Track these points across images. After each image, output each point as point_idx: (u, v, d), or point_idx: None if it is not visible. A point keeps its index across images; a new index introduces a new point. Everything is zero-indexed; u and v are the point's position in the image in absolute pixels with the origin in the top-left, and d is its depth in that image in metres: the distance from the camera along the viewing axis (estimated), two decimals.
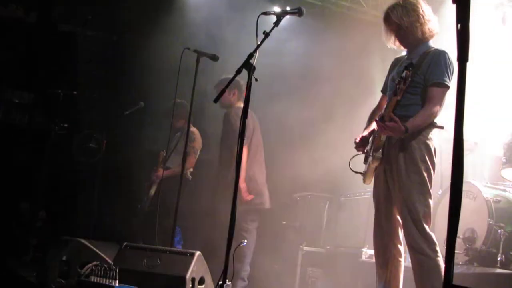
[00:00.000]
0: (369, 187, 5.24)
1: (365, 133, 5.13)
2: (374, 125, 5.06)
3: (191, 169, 8.34)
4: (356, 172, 5.07)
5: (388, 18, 5.03)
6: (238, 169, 4.37)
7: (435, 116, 4.73)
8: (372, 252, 6.36)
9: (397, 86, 4.34)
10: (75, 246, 5.75)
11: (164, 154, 8.10)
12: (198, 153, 8.40)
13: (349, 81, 9.81)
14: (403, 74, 4.27)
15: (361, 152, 5.11)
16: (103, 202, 9.00)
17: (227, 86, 4.68)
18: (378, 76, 5.54)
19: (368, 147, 5.03)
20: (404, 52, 5.20)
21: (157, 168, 8.14)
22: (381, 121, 4.48)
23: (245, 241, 6.52)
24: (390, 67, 5.27)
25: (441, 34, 5.07)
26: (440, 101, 4.72)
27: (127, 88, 10.11)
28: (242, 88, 7.24)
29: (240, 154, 4.40)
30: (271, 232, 8.92)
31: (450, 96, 4.78)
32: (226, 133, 7.64)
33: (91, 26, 10.30)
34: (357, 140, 5.09)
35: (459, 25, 2.19)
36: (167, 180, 7.78)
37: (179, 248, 7.61)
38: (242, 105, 7.05)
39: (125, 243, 5.37)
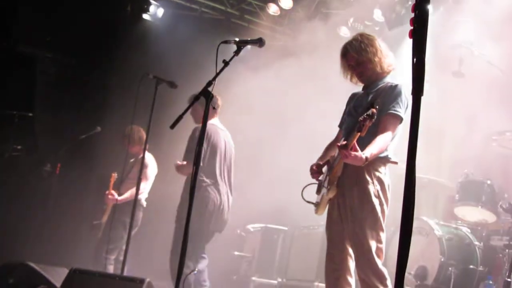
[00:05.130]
0: (323, 220, 5.22)
1: (321, 162, 5.13)
2: (328, 157, 5.06)
3: (146, 195, 8.26)
4: (309, 202, 5.05)
5: (346, 54, 5.06)
6: (192, 193, 4.33)
7: (387, 145, 4.74)
8: (324, 285, 6.34)
9: (362, 122, 4.27)
10: (22, 269, 5.65)
11: (116, 177, 8.01)
12: (152, 178, 8.33)
13: (308, 112, 9.88)
14: (369, 112, 4.20)
15: (315, 180, 5.09)
16: (54, 225, 8.85)
17: (184, 112, 4.63)
18: (337, 112, 5.54)
19: (322, 178, 5.02)
20: (360, 88, 5.22)
21: (109, 192, 8.03)
22: (344, 148, 4.43)
23: (196, 269, 6.42)
24: (347, 102, 5.30)
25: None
26: (392, 130, 4.73)
27: (85, 112, 10.03)
28: (216, 103, 7.07)
29: (195, 178, 4.36)
30: (223, 263, 8.86)
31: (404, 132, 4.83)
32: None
33: (50, 48, 10.23)
34: (314, 167, 5.07)
35: (415, 59, 2.22)
36: (120, 206, 7.70)
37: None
38: (214, 121, 7.00)
39: (73, 268, 5.27)
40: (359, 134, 4.29)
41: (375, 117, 4.22)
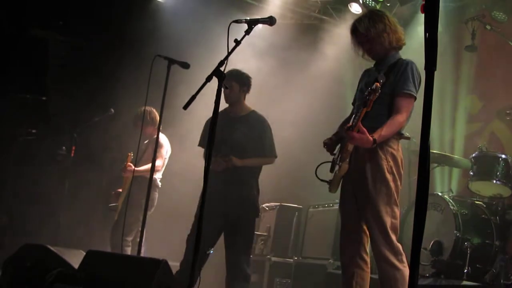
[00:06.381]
0: (338, 197, 5.22)
1: (334, 137, 5.14)
2: (342, 133, 5.07)
3: (161, 176, 8.29)
4: (322, 180, 5.05)
5: (355, 30, 5.06)
6: (206, 178, 4.33)
7: (401, 126, 4.75)
8: (339, 263, 6.35)
9: (367, 97, 4.32)
10: (40, 252, 5.66)
11: (132, 156, 8.02)
12: (165, 158, 8.34)
13: (319, 95, 9.86)
14: (373, 86, 4.26)
15: (330, 155, 5.10)
16: (70, 208, 8.89)
17: (197, 93, 4.61)
18: (349, 89, 5.54)
19: (336, 156, 5.03)
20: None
21: (126, 164, 8.04)
22: (349, 131, 4.48)
23: (212, 250, 6.44)
24: (360, 79, 5.29)
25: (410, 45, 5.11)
26: (406, 111, 4.74)
27: (97, 94, 10.04)
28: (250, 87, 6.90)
29: (208, 164, 4.35)
30: None
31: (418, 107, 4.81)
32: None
33: (61, 32, 10.22)
34: (327, 141, 5.09)
35: (427, 34, 2.21)
36: (136, 188, 7.71)
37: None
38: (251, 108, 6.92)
39: (89, 250, 5.30)
40: (365, 109, 4.33)
41: (379, 91, 4.26)
